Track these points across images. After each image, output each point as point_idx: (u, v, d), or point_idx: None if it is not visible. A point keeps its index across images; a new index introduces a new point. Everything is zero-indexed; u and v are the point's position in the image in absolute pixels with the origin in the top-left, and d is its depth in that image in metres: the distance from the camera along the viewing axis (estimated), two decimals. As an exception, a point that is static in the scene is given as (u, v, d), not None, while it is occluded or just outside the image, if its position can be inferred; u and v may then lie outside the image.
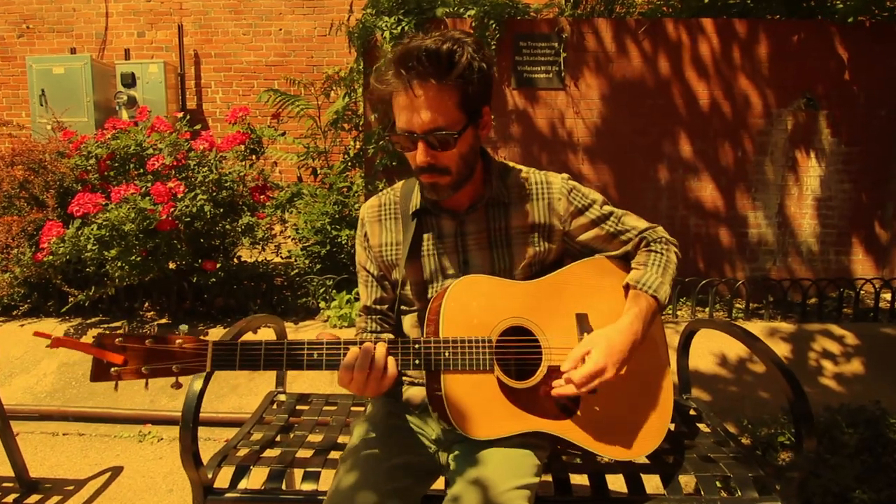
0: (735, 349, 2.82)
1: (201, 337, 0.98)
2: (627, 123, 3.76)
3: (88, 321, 3.13)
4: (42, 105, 5.06)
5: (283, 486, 1.23)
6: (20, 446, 2.24)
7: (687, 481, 1.30)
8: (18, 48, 5.76)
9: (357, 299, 3.18)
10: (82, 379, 2.75)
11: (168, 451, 2.27)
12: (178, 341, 0.95)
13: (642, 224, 1.21)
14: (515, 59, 3.72)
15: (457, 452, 1.13)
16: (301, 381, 2.65)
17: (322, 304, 3.25)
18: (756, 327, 3.06)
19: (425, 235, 1.19)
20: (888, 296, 3.29)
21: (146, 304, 3.30)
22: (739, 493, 1.18)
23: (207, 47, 5.76)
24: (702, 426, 1.51)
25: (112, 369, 0.94)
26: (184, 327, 0.98)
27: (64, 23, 5.75)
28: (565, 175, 1.22)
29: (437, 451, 1.21)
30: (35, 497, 1.92)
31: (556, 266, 1.19)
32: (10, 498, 1.91)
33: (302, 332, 3.04)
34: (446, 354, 1.04)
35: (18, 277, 2.93)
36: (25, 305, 3.12)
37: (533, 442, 1.10)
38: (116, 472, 2.11)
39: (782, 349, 2.90)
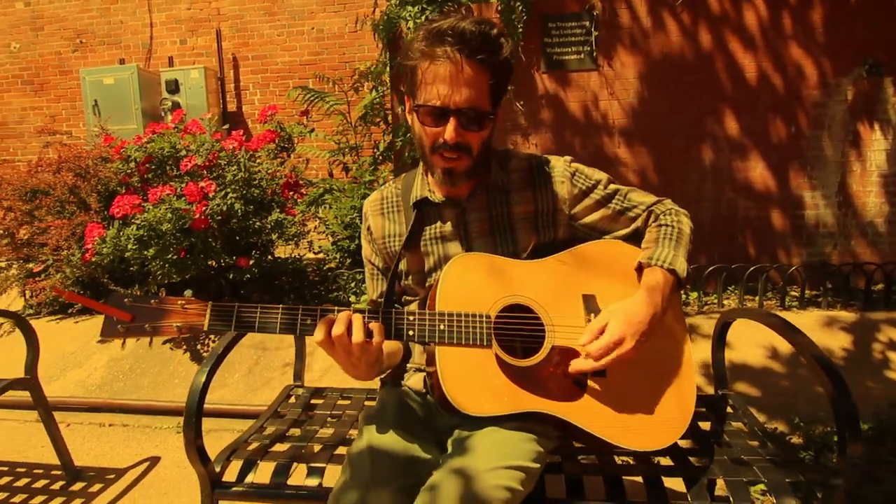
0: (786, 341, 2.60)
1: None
2: (667, 102, 3.56)
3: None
4: (95, 115, 5.35)
5: (289, 482, 1.22)
6: (71, 436, 2.37)
7: (715, 486, 1.19)
8: (74, 62, 6.12)
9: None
10: (129, 373, 2.88)
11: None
12: (180, 302, 1.02)
13: (650, 199, 1.16)
14: (545, 42, 3.59)
15: (453, 437, 1.08)
16: (331, 377, 2.67)
17: (352, 298, 3.27)
18: (812, 316, 2.82)
19: (427, 226, 1.19)
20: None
21: (188, 301, 3.43)
22: (774, 500, 1.07)
23: (245, 50, 5.91)
24: (738, 424, 1.38)
25: (119, 326, 1.01)
26: (188, 292, 1.02)
27: (113, 35, 6.06)
28: (568, 157, 1.19)
29: (442, 440, 1.16)
30: (79, 484, 2.03)
31: (563, 250, 1.14)
32: (58, 485, 2.03)
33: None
34: (441, 327, 1.01)
35: (70, 277, 3.10)
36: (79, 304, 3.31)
37: (536, 428, 1.03)
38: (154, 462, 2.20)
39: (841, 340, 2.65)
